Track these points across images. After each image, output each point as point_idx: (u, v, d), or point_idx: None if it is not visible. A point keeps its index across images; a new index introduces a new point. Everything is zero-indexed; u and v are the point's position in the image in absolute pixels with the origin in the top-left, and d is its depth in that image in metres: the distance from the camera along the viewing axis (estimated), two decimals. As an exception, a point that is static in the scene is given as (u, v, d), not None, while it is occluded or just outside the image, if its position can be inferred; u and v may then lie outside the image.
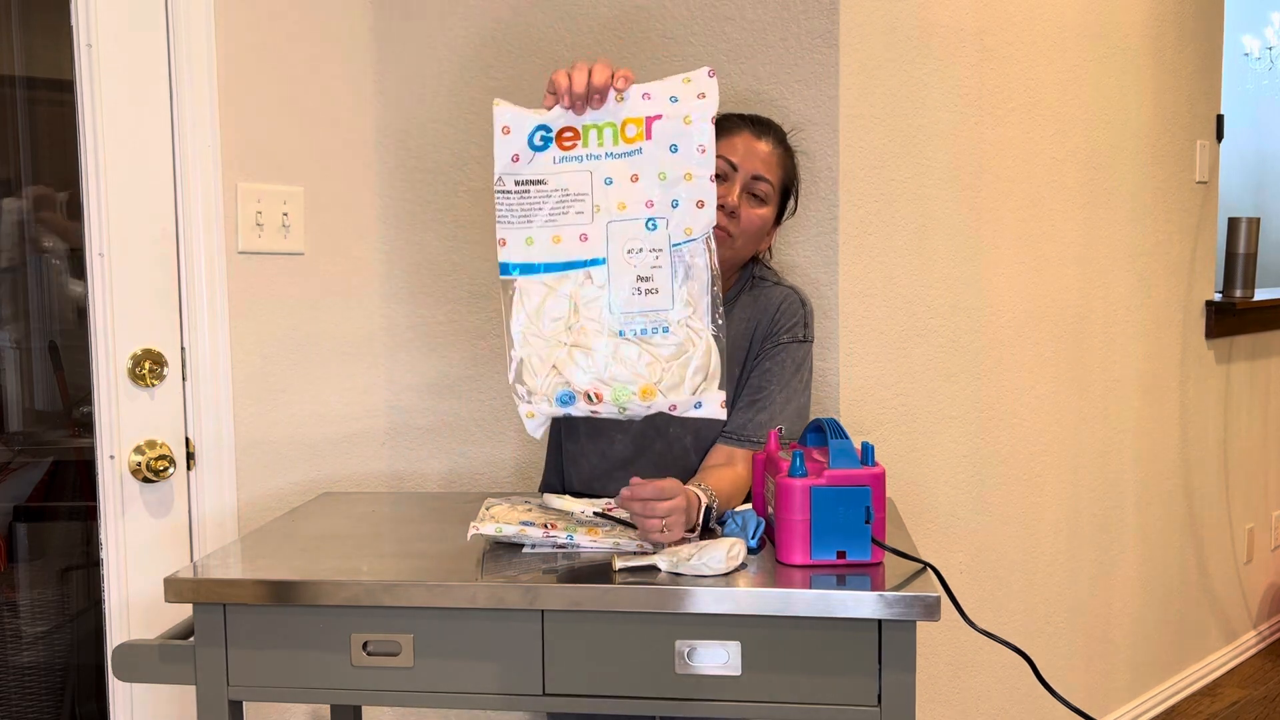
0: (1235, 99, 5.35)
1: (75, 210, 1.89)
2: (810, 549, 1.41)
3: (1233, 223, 3.63)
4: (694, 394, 1.33)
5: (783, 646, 1.37)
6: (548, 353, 1.33)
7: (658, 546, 1.46)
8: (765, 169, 1.72)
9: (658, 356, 1.33)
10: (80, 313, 2.00)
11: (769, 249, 1.85)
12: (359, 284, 2.20)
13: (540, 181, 1.34)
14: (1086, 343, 2.79)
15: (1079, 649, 2.85)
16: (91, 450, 1.91)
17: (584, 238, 1.33)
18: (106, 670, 1.94)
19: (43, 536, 2.40)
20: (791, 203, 1.82)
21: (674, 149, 1.33)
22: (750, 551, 1.48)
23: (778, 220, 1.80)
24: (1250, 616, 3.74)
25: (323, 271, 2.14)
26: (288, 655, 1.44)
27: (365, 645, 1.42)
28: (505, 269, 1.35)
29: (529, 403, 1.34)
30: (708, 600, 1.34)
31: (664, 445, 1.76)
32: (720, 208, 1.67)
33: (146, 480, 1.91)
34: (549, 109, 1.38)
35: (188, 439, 1.97)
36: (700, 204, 1.32)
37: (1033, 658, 1.46)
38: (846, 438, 1.43)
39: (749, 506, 1.61)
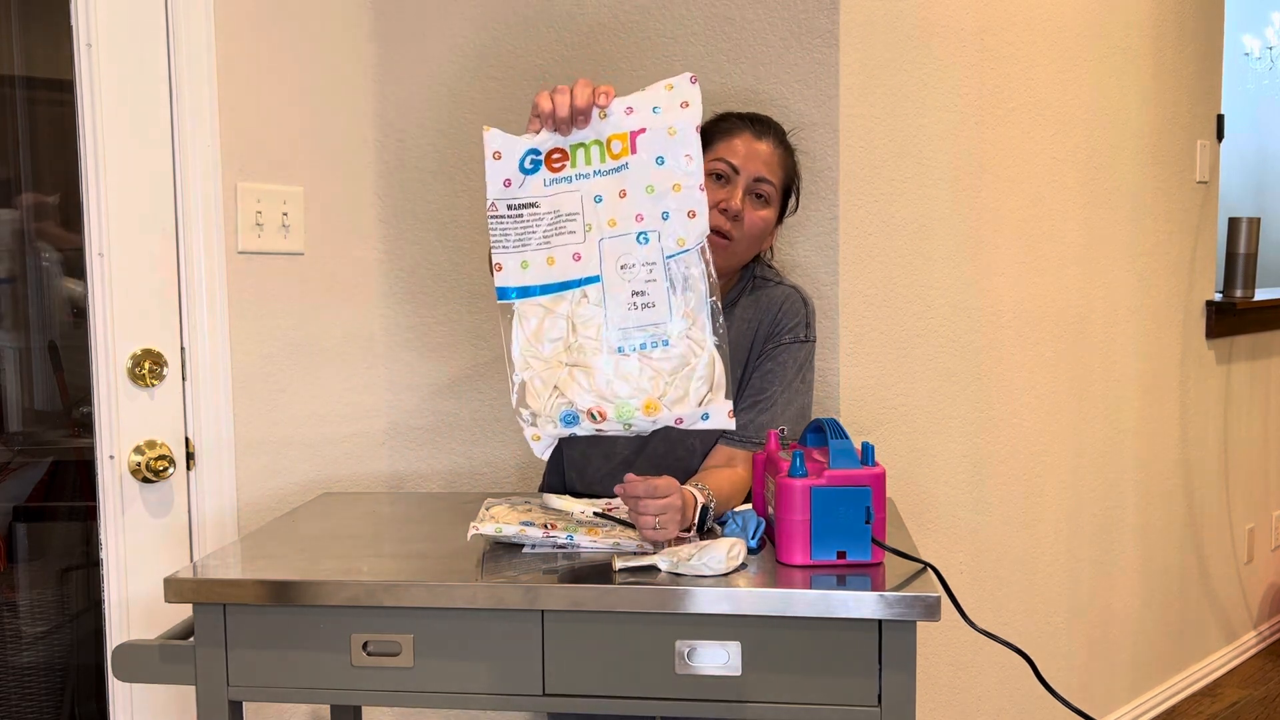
0: (1235, 99, 5.34)
1: (71, 212, 1.89)
2: (810, 549, 1.41)
3: (1233, 223, 3.62)
4: (700, 405, 1.33)
5: (783, 646, 1.36)
6: (549, 374, 1.33)
7: (656, 546, 1.46)
8: (767, 170, 1.71)
9: (660, 370, 1.33)
10: (80, 313, 2.00)
11: (771, 248, 1.85)
12: (359, 284, 2.20)
13: (533, 204, 1.34)
14: (1086, 343, 2.79)
15: (1079, 649, 2.85)
16: (91, 450, 1.91)
17: (577, 257, 1.33)
18: (106, 670, 1.93)
19: (42, 536, 2.40)
20: (792, 201, 1.82)
21: (660, 161, 1.32)
22: (750, 551, 1.48)
23: (779, 219, 1.80)
24: (1250, 617, 3.74)
25: (323, 271, 2.14)
26: (288, 655, 1.44)
27: (365, 645, 1.42)
28: (502, 293, 1.35)
29: (534, 425, 1.34)
30: (708, 600, 1.34)
31: (666, 447, 1.76)
32: (723, 211, 1.66)
33: (146, 480, 1.91)
34: (535, 133, 1.38)
35: (188, 439, 1.97)
36: (691, 214, 1.32)
37: (1033, 658, 1.46)
38: (846, 438, 1.43)
39: (749, 506, 1.61)
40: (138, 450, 1.91)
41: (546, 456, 1.40)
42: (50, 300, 2.31)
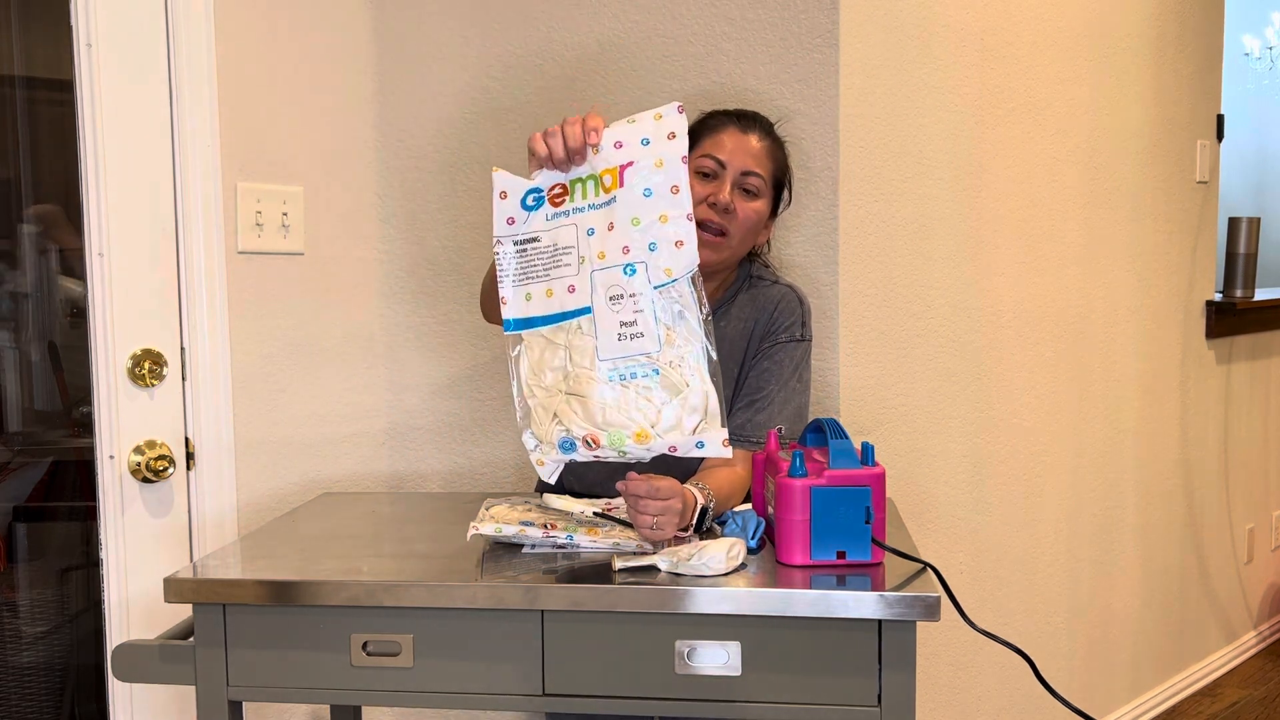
0: (1235, 99, 5.34)
1: (71, 212, 1.89)
2: (810, 549, 1.41)
3: (1233, 223, 3.62)
4: (694, 433, 1.34)
5: (783, 646, 1.36)
6: (549, 402, 1.36)
7: (657, 546, 1.46)
8: (754, 163, 1.72)
9: (651, 400, 1.35)
10: (80, 313, 2.00)
11: (768, 242, 1.86)
12: (359, 284, 2.20)
13: (535, 239, 1.37)
14: (1086, 343, 2.79)
15: (1079, 649, 2.85)
16: (91, 450, 1.91)
17: (572, 289, 1.36)
18: (106, 670, 1.93)
19: (43, 536, 2.40)
20: (786, 194, 1.82)
21: (647, 193, 1.34)
22: (750, 551, 1.48)
23: (773, 213, 1.80)
24: (1250, 617, 3.74)
25: (323, 271, 2.14)
26: (288, 655, 1.44)
27: (365, 645, 1.42)
28: (508, 325, 1.38)
29: (538, 452, 1.37)
30: (708, 600, 1.34)
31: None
32: (712, 205, 1.68)
33: (146, 480, 1.91)
34: (534, 175, 1.41)
35: (187, 439, 1.97)
36: (679, 244, 1.34)
37: (1033, 658, 1.46)
38: (846, 438, 1.43)
39: (749, 506, 1.61)
40: (138, 450, 1.91)
41: (553, 480, 1.42)
42: (51, 299, 2.31)
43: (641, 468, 1.73)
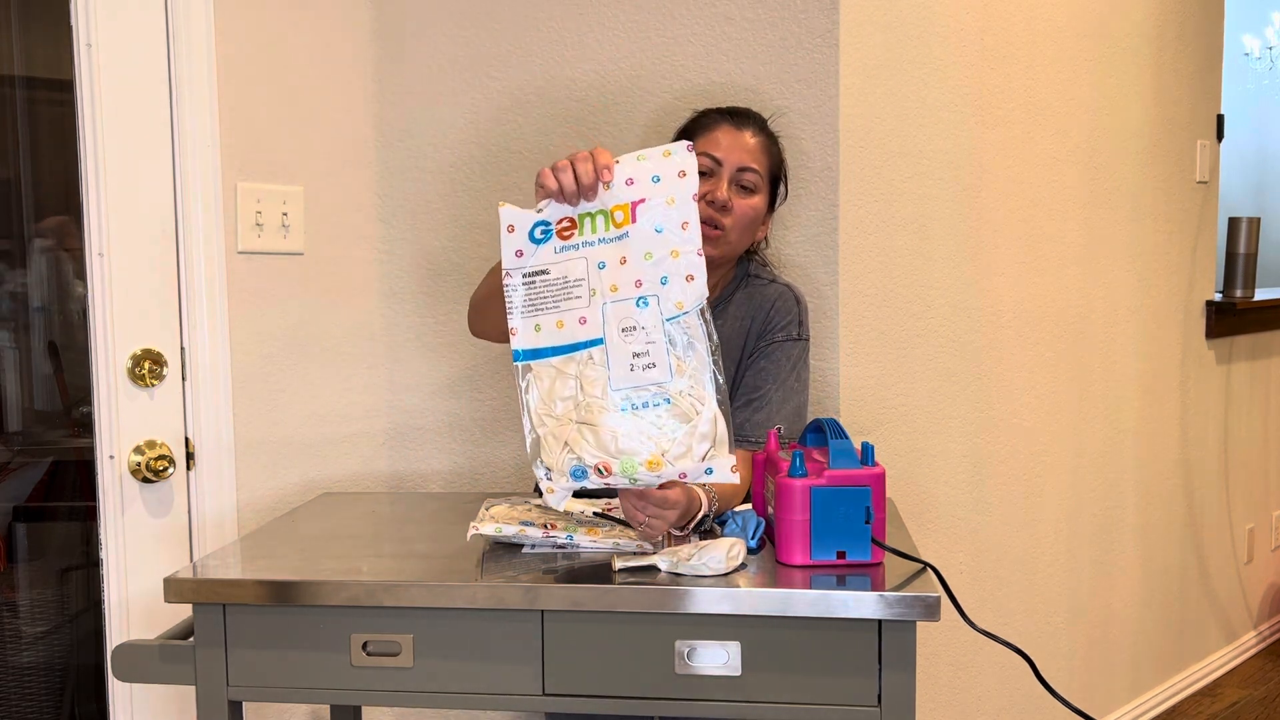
0: (1235, 99, 5.34)
1: (71, 212, 1.89)
2: (810, 549, 1.41)
3: (1233, 223, 3.62)
4: (703, 460, 1.37)
5: (783, 646, 1.36)
6: (560, 431, 1.38)
7: (656, 546, 1.46)
8: (751, 159, 1.73)
9: (662, 428, 1.37)
10: (80, 313, 2.00)
11: (765, 239, 1.86)
12: (359, 284, 2.20)
13: (543, 271, 1.40)
14: (1086, 343, 2.79)
15: (1079, 649, 2.85)
16: (91, 450, 1.91)
17: (583, 321, 1.39)
18: (106, 670, 1.93)
19: (43, 536, 2.40)
20: (782, 189, 1.83)
21: (659, 229, 1.38)
22: (750, 551, 1.48)
23: (770, 208, 1.81)
24: (1250, 617, 3.74)
25: (323, 271, 2.14)
26: (288, 655, 1.44)
27: (365, 645, 1.42)
28: (517, 355, 1.40)
29: (549, 480, 1.38)
30: (708, 600, 1.34)
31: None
32: (710, 203, 1.69)
33: (146, 480, 1.91)
34: (540, 207, 1.43)
35: (187, 439, 1.97)
36: (690, 278, 1.38)
37: (1033, 658, 1.46)
38: (846, 438, 1.43)
39: (749, 506, 1.61)
40: (138, 450, 1.91)
41: (563, 508, 1.42)
42: (51, 299, 2.31)
43: None
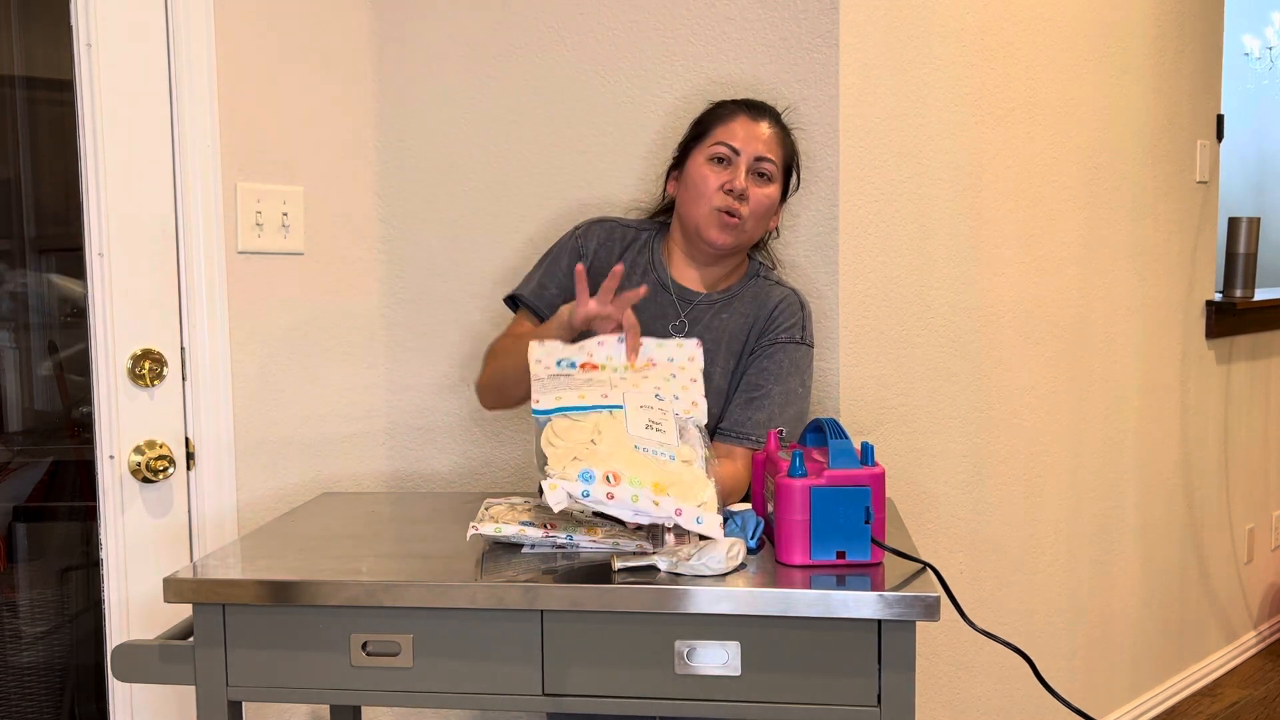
0: (1235, 99, 5.35)
1: (71, 212, 1.89)
2: (810, 549, 1.41)
3: (1233, 223, 3.62)
4: (697, 508, 1.43)
5: (782, 646, 1.37)
6: (569, 448, 1.46)
7: (655, 545, 1.46)
8: (767, 149, 1.77)
9: (667, 469, 1.46)
10: (80, 313, 2.00)
11: (776, 229, 1.92)
12: (359, 284, 2.20)
13: (568, 375, 1.61)
14: (1086, 343, 2.79)
15: (1079, 649, 2.85)
16: (91, 450, 1.91)
17: (604, 395, 1.56)
18: (106, 670, 1.94)
19: (43, 536, 2.40)
20: (794, 179, 1.88)
21: (672, 376, 1.63)
22: (750, 551, 1.48)
23: (783, 197, 1.85)
24: (1250, 616, 3.74)
25: (323, 271, 2.14)
26: (287, 655, 1.44)
27: (365, 645, 1.42)
28: (537, 413, 1.55)
29: (553, 478, 1.42)
30: (707, 600, 1.34)
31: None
32: (729, 192, 1.75)
33: (146, 480, 1.91)
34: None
35: (188, 439, 1.97)
36: (694, 404, 1.59)
37: (1033, 658, 1.46)
38: (846, 438, 1.43)
39: (749, 506, 1.61)
40: (138, 450, 1.91)
41: (559, 509, 1.42)
42: (51, 299, 2.31)
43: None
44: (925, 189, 2.28)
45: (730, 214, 1.73)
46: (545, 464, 1.45)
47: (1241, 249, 3.58)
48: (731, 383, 1.77)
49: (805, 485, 1.40)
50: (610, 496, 1.40)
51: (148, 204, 1.90)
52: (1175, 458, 3.20)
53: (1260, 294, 3.70)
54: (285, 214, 2.07)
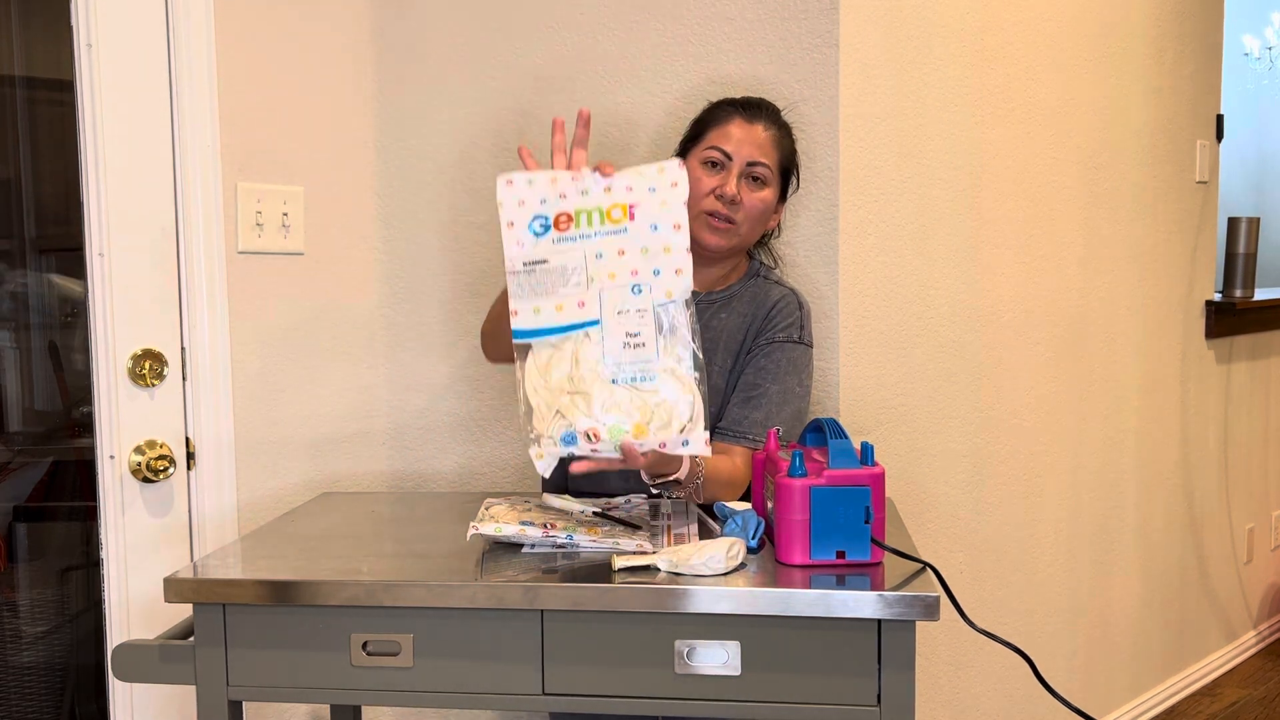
0: (1235, 99, 5.35)
1: (71, 212, 1.89)
2: (810, 549, 1.41)
3: (1233, 223, 3.63)
4: (680, 433, 1.46)
5: (782, 646, 1.37)
6: (552, 400, 1.49)
7: (655, 545, 1.45)
8: (760, 153, 1.76)
9: (647, 401, 1.47)
10: (80, 313, 2.00)
11: (778, 228, 1.90)
12: (359, 284, 2.20)
13: (543, 261, 1.53)
14: (1086, 343, 2.79)
15: (1079, 649, 2.85)
16: (91, 450, 1.91)
17: (581, 304, 1.52)
18: (106, 670, 1.94)
19: (43, 536, 2.40)
20: (794, 180, 1.86)
21: (654, 228, 1.53)
22: (750, 551, 1.48)
23: (782, 198, 1.84)
24: (1250, 616, 3.74)
25: (323, 271, 2.14)
26: (288, 655, 1.44)
27: (365, 645, 1.42)
28: (517, 334, 1.53)
29: (538, 445, 1.48)
30: (707, 600, 1.34)
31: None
32: (719, 197, 1.74)
33: (146, 480, 1.91)
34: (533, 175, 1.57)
35: (188, 439, 1.97)
36: (678, 271, 1.52)
37: (1033, 658, 1.46)
38: (846, 438, 1.43)
39: (749, 506, 1.61)
40: (138, 450, 1.91)
41: (548, 474, 1.48)
42: (51, 299, 2.32)
43: (623, 479, 1.74)
44: (925, 189, 2.28)
45: (720, 218, 1.73)
46: (530, 417, 1.48)
47: (1241, 249, 3.58)
48: (730, 382, 1.77)
49: (805, 485, 1.40)
50: (595, 451, 1.46)
51: (148, 204, 1.90)
52: (1175, 457, 3.20)
53: (1260, 294, 3.70)
54: (285, 214, 2.07)
